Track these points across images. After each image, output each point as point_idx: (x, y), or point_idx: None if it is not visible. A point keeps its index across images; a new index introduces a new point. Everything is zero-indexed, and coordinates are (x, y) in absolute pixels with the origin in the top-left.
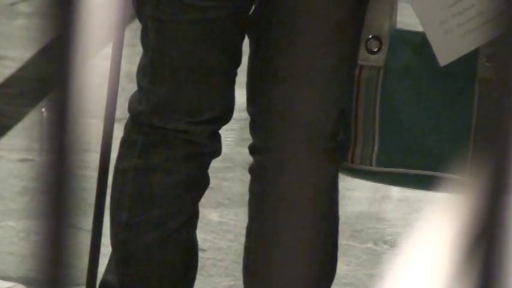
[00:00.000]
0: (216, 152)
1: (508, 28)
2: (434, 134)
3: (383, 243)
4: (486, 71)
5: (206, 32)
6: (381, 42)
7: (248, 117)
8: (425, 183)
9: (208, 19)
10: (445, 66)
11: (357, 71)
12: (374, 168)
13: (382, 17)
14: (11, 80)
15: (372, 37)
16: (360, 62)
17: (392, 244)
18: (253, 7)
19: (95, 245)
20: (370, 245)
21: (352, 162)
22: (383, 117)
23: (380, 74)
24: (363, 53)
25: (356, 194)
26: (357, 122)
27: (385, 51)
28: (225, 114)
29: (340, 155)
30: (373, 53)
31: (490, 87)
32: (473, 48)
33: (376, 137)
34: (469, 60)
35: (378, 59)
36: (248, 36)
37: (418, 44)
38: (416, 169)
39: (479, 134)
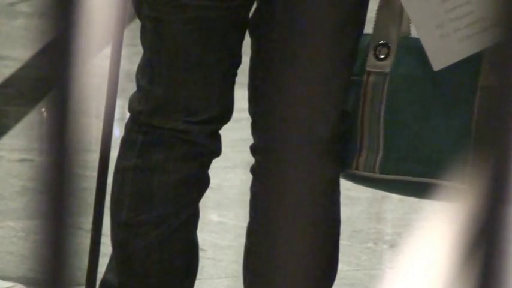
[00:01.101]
0: (216, 151)
1: (508, 34)
2: (437, 142)
3: (383, 243)
4: (489, 79)
5: (203, 31)
6: (389, 49)
7: (248, 117)
8: (428, 191)
9: (205, 18)
10: (449, 73)
11: (364, 77)
12: (377, 175)
13: (391, 24)
14: (11, 80)
15: (380, 44)
16: (367, 68)
17: (392, 244)
18: (253, 7)
19: (95, 245)
20: (370, 245)
21: (357, 169)
22: (387, 124)
23: (386, 81)
24: (371, 59)
25: (356, 194)
26: (362, 128)
27: (393, 58)
28: (224, 114)
29: (340, 155)
30: (380, 59)
31: (491, 94)
32: (469, 54)
33: (381, 144)
34: (472, 67)
35: (385, 66)
36: (250, 37)
37: (425, 51)
38: (420, 177)
39: (478, 141)
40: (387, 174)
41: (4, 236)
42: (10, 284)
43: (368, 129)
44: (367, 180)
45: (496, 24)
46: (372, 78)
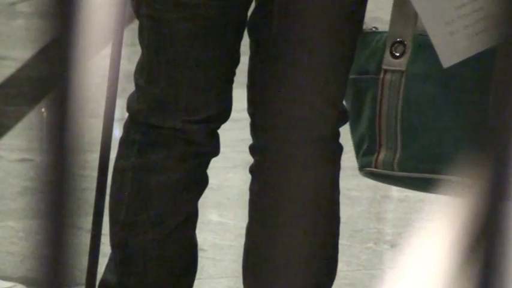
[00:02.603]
0: (214, 151)
1: (508, 30)
2: (452, 139)
3: (383, 243)
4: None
5: (201, 30)
6: (405, 47)
7: (248, 117)
8: (443, 187)
9: (203, 17)
10: (465, 71)
11: (380, 75)
12: (396, 173)
13: (407, 22)
14: (11, 80)
15: (396, 41)
16: (383, 67)
17: (392, 244)
18: (251, 7)
19: (95, 245)
20: (370, 245)
21: (376, 167)
22: (405, 121)
23: (403, 78)
24: (387, 57)
25: (356, 194)
26: (380, 127)
27: (408, 56)
28: (222, 113)
29: (340, 155)
30: (396, 57)
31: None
32: (478, 51)
33: (399, 142)
34: (487, 65)
35: (401, 63)
36: (248, 37)
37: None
38: (438, 174)
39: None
40: (406, 171)
41: (4, 236)
42: (10, 284)
43: (386, 127)
44: (386, 177)
45: (498, 23)
46: (388, 77)
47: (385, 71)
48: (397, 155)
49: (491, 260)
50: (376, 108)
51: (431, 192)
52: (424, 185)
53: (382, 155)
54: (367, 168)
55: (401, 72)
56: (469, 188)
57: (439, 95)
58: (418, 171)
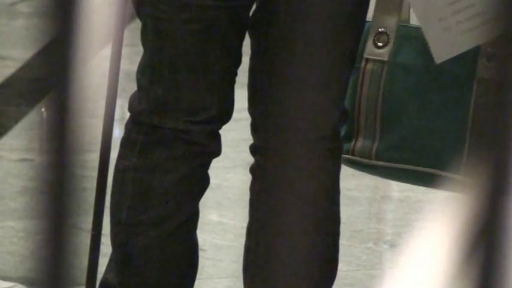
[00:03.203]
0: (216, 151)
1: (507, 28)
2: (433, 132)
3: (383, 243)
4: (486, 71)
5: (204, 30)
6: (388, 37)
7: (248, 117)
8: (423, 180)
9: (206, 18)
10: (447, 64)
11: (362, 64)
12: (373, 162)
13: (391, 12)
14: (11, 80)
15: (380, 32)
16: (365, 56)
17: (392, 244)
18: (253, 7)
19: (95, 245)
20: (370, 245)
21: (353, 154)
22: (384, 111)
23: (384, 68)
24: (369, 47)
25: (356, 194)
26: (359, 115)
27: (391, 46)
28: (224, 114)
29: (340, 155)
30: (379, 47)
31: (488, 86)
32: (471, 47)
33: (377, 131)
34: (469, 60)
35: (383, 54)
36: (249, 37)
37: (424, 40)
38: (415, 165)
39: (476, 133)
40: (383, 161)
41: (4, 236)
42: (10, 284)
43: (365, 115)
44: (365, 166)
45: (495, 18)
46: (369, 66)
47: (367, 60)
48: (375, 144)
49: (491, 260)
50: (356, 96)
51: (409, 183)
52: (401, 175)
53: (359, 143)
54: (345, 155)
55: (383, 62)
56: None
57: (419, 86)
58: (394, 161)
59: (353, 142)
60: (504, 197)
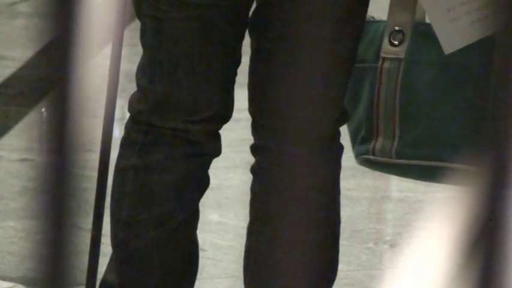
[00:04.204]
0: (216, 151)
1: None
2: (451, 126)
3: (383, 243)
4: None
5: (203, 29)
6: (403, 35)
7: (248, 117)
8: (443, 175)
9: (205, 16)
10: (462, 59)
11: (379, 63)
12: (394, 160)
13: (405, 10)
14: (11, 80)
15: (395, 30)
16: (382, 55)
17: (392, 244)
18: (253, 6)
19: (95, 245)
20: (370, 245)
21: (373, 154)
22: (402, 109)
23: (401, 67)
24: (385, 45)
25: (356, 194)
26: (378, 114)
27: (407, 44)
28: (223, 114)
29: (340, 155)
30: (395, 45)
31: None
32: (480, 37)
33: (396, 130)
34: (485, 53)
35: (399, 52)
36: (249, 37)
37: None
38: (436, 161)
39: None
40: (404, 158)
41: (4, 236)
42: (10, 284)
43: (384, 115)
44: (383, 165)
45: (498, 11)
46: (386, 65)
47: (384, 59)
48: (395, 143)
49: (491, 260)
50: (374, 96)
51: (429, 181)
52: (421, 172)
53: (379, 143)
54: (364, 155)
55: (400, 59)
56: (469, 175)
57: (437, 83)
58: (415, 158)
59: (373, 142)
60: (506, 190)
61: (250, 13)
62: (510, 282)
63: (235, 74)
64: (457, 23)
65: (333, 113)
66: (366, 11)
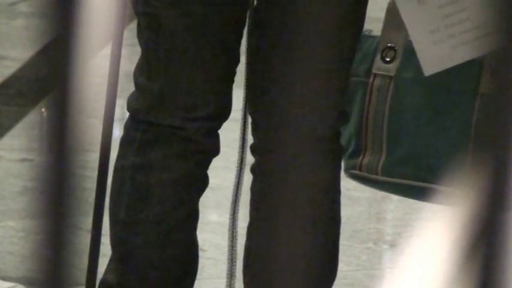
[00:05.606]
0: (214, 150)
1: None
2: (438, 147)
3: (383, 243)
4: (488, 86)
5: (198, 26)
6: (395, 52)
7: (248, 117)
8: (429, 195)
9: (200, 13)
10: (451, 80)
11: (370, 79)
12: (380, 177)
13: (399, 28)
14: (11, 80)
15: (388, 47)
16: (373, 71)
17: (392, 244)
18: (253, 6)
19: (95, 245)
20: (370, 245)
21: (360, 169)
22: (390, 126)
23: (391, 84)
24: (377, 62)
25: (356, 194)
26: (367, 130)
27: (398, 61)
28: (222, 112)
29: (340, 154)
30: (387, 62)
31: (490, 101)
32: (461, 61)
33: (384, 146)
34: (474, 75)
35: (390, 69)
36: (248, 36)
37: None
38: (421, 181)
39: (477, 146)
40: (389, 177)
41: (4, 236)
42: (10, 284)
43: (372, 131)
44: (369, 180)
45: (496, 31)
46: (377, 81)
47: (375, 75)
48: (382, 160)
49: (492, 260)
50: (364, 112)
51: (415, 199)
52: (406, 191)
53: (366, 159)
54: (352, 170)
55: (391, 77)
56: (457, 197)
57: (427, 102)
58: (399, 177)
59: (361, 157)
60: (503, 207)
61: (249, 13)
62: (510, 283)
63: (234, 73)
64: (440, 45)
65: (333, 113)
66: (364, 10)
